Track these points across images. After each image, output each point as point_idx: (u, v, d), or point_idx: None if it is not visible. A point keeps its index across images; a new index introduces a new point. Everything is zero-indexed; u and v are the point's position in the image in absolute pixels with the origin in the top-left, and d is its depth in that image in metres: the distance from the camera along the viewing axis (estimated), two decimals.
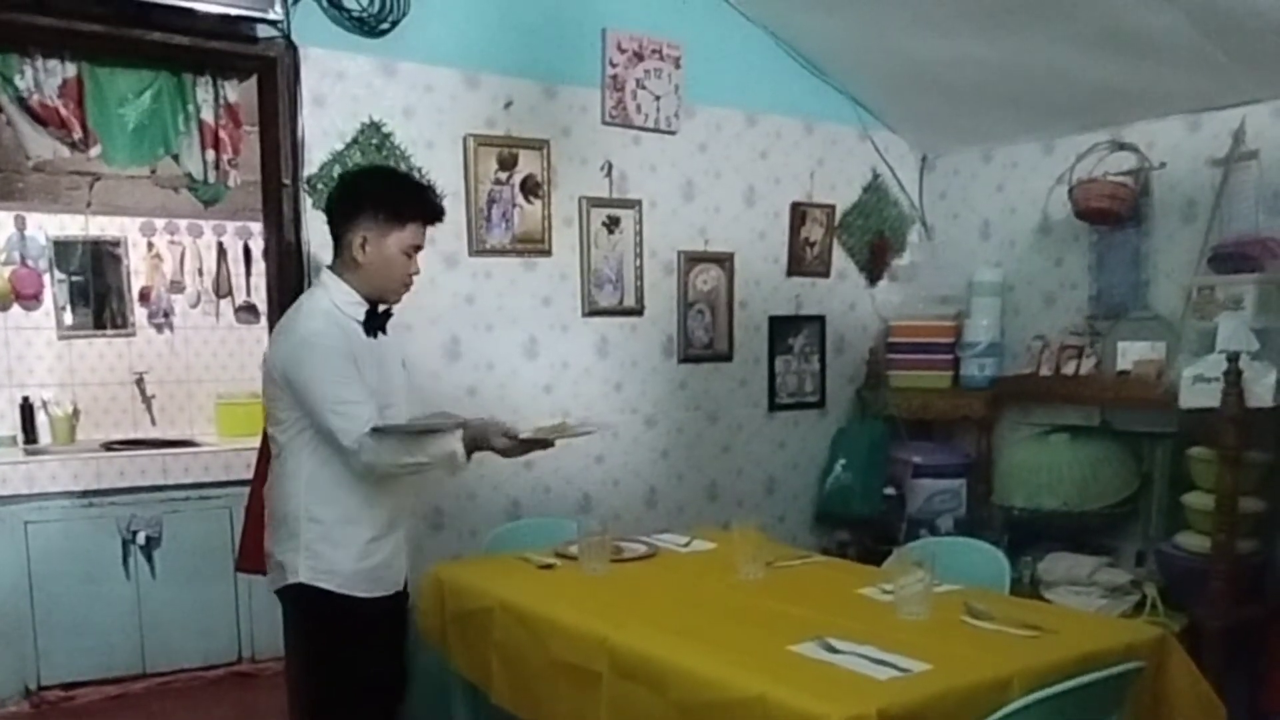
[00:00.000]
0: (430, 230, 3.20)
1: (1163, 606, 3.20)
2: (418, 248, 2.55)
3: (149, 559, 4.25)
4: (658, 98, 3.65)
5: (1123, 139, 3.60)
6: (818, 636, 2.03)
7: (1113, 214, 3.52)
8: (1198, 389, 3.02)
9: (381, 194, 2.51)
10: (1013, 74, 3.56)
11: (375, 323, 2.55)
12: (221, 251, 4.99)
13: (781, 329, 4.09)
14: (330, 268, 2.56)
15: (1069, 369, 3.63)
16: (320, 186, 3.07)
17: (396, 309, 2.83)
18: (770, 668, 1.90)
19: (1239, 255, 3.18)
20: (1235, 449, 2.98)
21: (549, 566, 2.69)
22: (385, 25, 3.12)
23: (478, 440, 2.45)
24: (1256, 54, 3.04)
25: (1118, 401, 3.52)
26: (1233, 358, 2.94)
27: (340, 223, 2.50)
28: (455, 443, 2.42)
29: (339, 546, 2.44)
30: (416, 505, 2.91)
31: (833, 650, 1.97)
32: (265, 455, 3.20)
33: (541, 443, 2.55)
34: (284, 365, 2.41)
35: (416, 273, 2.60)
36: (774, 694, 1.77)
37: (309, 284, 3.05)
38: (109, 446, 4.50)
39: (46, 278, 4.65)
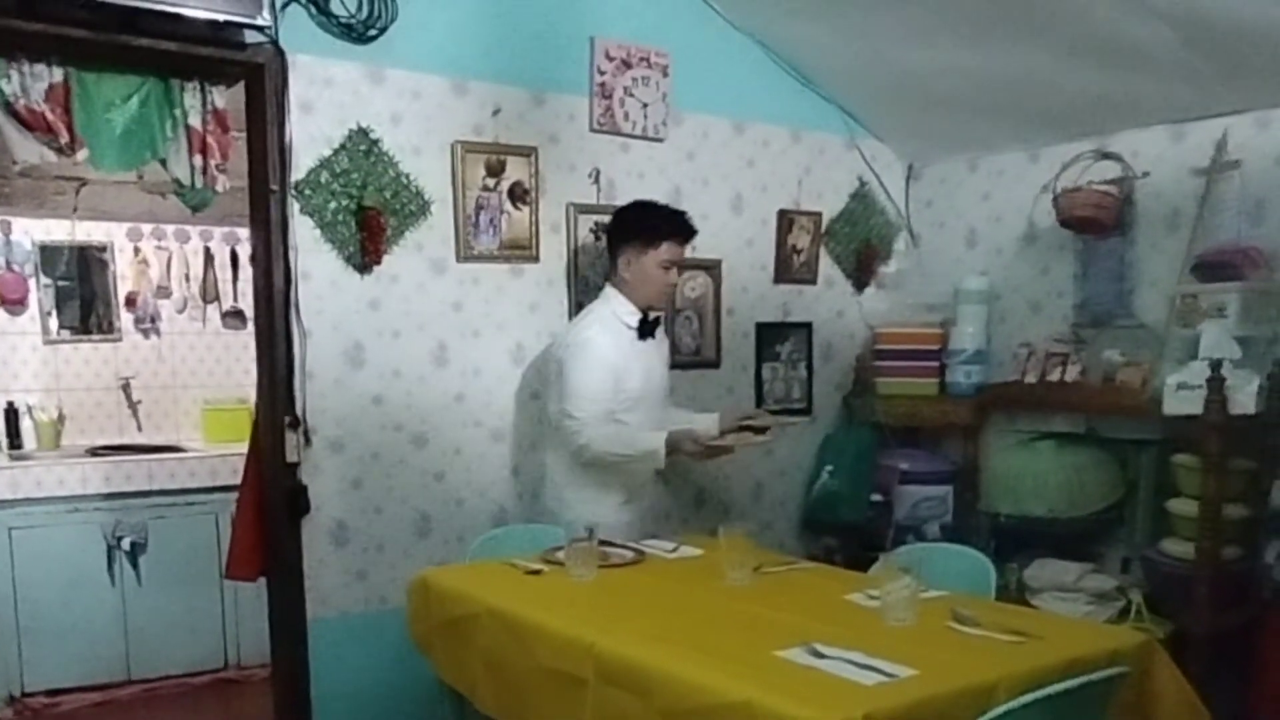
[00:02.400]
0: (418, 237, 3.27)
1: (1148, 612, 3.22)
2: (673, 262, 3.15)
3: (134, 565, 4.24)
4: (645, 105, 3.66)
5: (1107, 148, 3.63)
6: (804, 642, 2.03)
7: (1098, 223, 3.54)
8: (1181, 396, 3.04)
9: (637, 222, 3.16)
10: (998, 84, 3.58)
11: (646, 329, 3.17)
12: (208, 257, 4.99)
13: (769, 336, 4.10)
14: (611, 283, 3.19)
15: (1054, 376, 3.64)
16: (308, 192, 3.06)
17: (390, 315, 3.26)
18: (756, 673, 1.90)
19: (1222, 264, 3.20)
20: (1219, 456, 3.00)
21: (536, 572, 2.69)
22: (373, 32, 3.12)
23: (674, 444, 3.00)
24: (1239, 65, 3.07)
25: (1103, 409, 3.54)
26: (1216, 365, 2.97)
27: (614, 247, 3.18)
28: (658, 443, 2.99)
29: (597, 504, 3.10)
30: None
31: (819, 656, 1.97)
32: (253, 461, 3.20)
33: (725, 448, 3.11)
34: (562, 358, 3.07)
35: (674, 283, 3.29)
36: (760, 699, 1.77)
37: (296, 290, 3.06)
38: (94, 452, 4.48)
39: (32, 282, 4.64)
